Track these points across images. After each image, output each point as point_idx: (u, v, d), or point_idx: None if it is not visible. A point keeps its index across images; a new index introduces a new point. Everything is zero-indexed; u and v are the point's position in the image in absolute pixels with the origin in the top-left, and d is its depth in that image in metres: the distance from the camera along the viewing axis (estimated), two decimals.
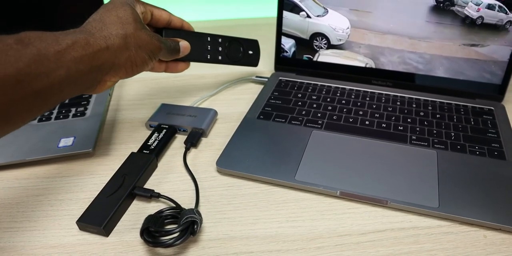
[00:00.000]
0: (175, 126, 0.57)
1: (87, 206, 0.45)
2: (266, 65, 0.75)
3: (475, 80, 0.61)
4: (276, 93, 0.64)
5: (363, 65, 0.65)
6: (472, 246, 0.42)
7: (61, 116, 0.59)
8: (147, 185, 0.50)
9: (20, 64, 0.34)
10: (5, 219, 0.46)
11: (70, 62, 0.38)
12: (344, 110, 0.60)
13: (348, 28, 0.63)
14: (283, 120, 0.58)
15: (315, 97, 0.63)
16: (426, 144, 0.53)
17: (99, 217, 0.43)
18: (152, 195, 0.46)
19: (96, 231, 0.43)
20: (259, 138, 0.54)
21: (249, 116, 0.59)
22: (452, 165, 0.50)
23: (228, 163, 0.51)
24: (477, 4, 0.56)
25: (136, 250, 0.42)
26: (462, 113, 0.59)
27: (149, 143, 0.53)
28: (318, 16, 0.64)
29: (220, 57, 0.61)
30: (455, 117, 0.58)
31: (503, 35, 0.57)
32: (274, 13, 0.66)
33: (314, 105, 0.61)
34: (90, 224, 0.43)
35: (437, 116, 0.58)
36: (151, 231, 0.41)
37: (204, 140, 0.57)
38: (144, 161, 0.50)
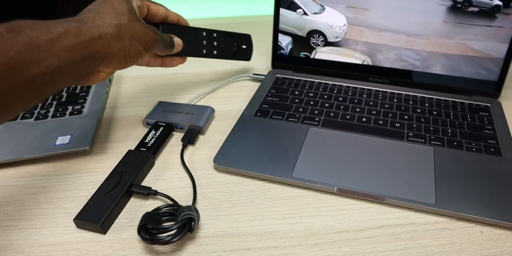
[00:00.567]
0: (172, 123, 0.57)
1: (84, 204, 0.45)
2: (263, 63, 0.75)
3: (471, 77, 0.61)
4: (273, 91, 0.64)
5: (360, 62, 0.65)
6: (468, 242, 0.42)
7: (58, 114, 0.59)
8: (145, 183, 0.50)
9: (10, 52, 0.34)
10: (2, 217, 0.46)
11: (62, 50, 0.37)
12: (341, 107, 0.60)
13: (345, 25, 0.63)
14: (280, 117, 0.58)
15: (312, 94, 0.63)
16: (423, 140, 0.53)
17: (96, 215, 0.43)
18: (149, 193, 0.46)
19: (93, 228, 0.43)
20: (256, 135, 0.54)
21: (246, 113, 0.59)
22: (448, 162, 0.50)
23: (225, 160, 0.51)
24: None
25: (134, 247, 0.42)
26: (459, 109, 0.59)
27: (146, 141, 0.53)
28: (315, 13, 0.64)
29: (215, 52, 0.62)
30: (451, 113, 0.58)
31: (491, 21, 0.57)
32: (271, 10, 0.66)
33: (311, 102, 0.61)
34: (87, 221, 0.43)
35: (434, 113, 0.59)
36: (149, 228, 0.41)
37: (201, 138, 0.57)
38: (141, 158, 0.50)
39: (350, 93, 0.63)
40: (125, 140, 0.57)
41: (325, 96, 0.62)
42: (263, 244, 0.42)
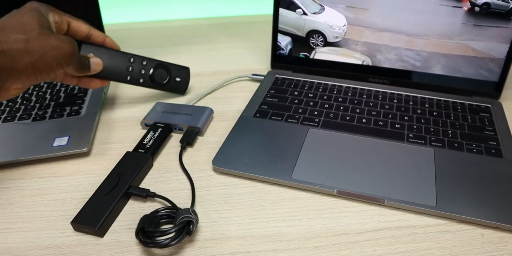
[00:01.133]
0: (170, 124, 0.56)
1: (82, 206, 0.44)
2: (262, 63, 0.74)
3: (472, 78, 0.61)
4: (273, 91, 0.64)
5: (360, 62, 0.65)
6: (469, 244, 0.41)
7: (55, 115, 0.58)
8: (143, 184, 0.49)
9: None
10: None
11: None
12: (341, 108, 0.59)
13: (344, 25, 0.63)
14: (280, 118, 0.57)
15: (311, 95, 0.62)
16: (423, 142, 0.53)
17: (94, 218, 0.42)
18: (148, 195, 0.46)
19: (91, 231, 0.43)
20: (256, 137, 0.54)
21: (245, 114, 0.59)
22: (449, 163, 0.49)
23: (224, 162, 0.50)
24: None
25: (132, 250, 0.41)
26: (459, 110, 0.59)
27: (145, 142, 0.53)
28: (314, 13, 0.64)
29: (141, 80, 0.60)
30: (452, 114, 0.58)
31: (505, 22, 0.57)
32: (270, 10, 0.66)
33: (311, 103, 0.60)
34: (85, 224, 0.42)
35: (434, 113, 0.58)
36: (147, 231, 0.40)
37: (200, 139, 0.57)
38: (139, 160, 0.50)
39: (350, 94, 0.63)
40: (124, 141, 0.56)
41: (325, 97, 0.62)
42: (262, 247, 0.42)
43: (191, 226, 0.41)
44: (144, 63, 0.59)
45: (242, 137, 0.54)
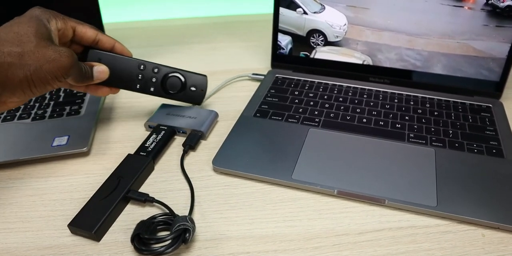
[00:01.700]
0: (174, 127, 0.56)
1: (81, 206, 0.44)
2: (262, 62, 0.74)
3: (473, 77, 0.61)
4: (273, 91, 0.63)
5: (360, 62, 0.65)
6: (470, 245, 0.41)
7: (55, 115, 0.58)
8: (143, 186, 0.49)
9: None
10: None
11: None
12: (341, 107, 0.59)
13: (345, 24, 0.63)
14: (280, 118, 0.57)
15: (312, 95, 0.62)
16: (424, 142, 0.53)
17: (91, 222, 0.42)
18: (147, 200, 0.45)
19: (87, 235, 0.42)
20: (256, 137, 0.54)
21: (245, 114, 0.58)
22: (450, 163, 0.49)
23: (224, 162, 0.50)
24: None
25: (132, 250, 0.41)
26: (460, 110, 0.59)
27: (147, 145, 0.52)
28: (315, 12, 0.63)
29: (152, 89, 0.56)
30: (453, 114, 0.58)
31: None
32: (270, 9, 0.65)
33: (311, 103, 0.60)
34: (81, 228, 0.42)
35: (435, 113, 0.58)
36: (142, 238, 0.40)
37: (202, 142, 0.56)
38: (140, 163, 0.49)
39: (350, 94, 0.62)
40: (123, 141, 0.56)
41: (325, 97, 0.62)
42: (262, 247, 0.41)
43: (187, 234, 0.40)
44: (156, 70, 0.55)
45: (242, 137, 0.54)
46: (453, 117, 0.57)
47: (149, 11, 0.96)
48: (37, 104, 0.60)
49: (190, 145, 0.53)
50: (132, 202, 0.47)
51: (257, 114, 0.58)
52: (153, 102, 0.63)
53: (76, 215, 0.43)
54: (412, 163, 0.49)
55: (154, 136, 0.54)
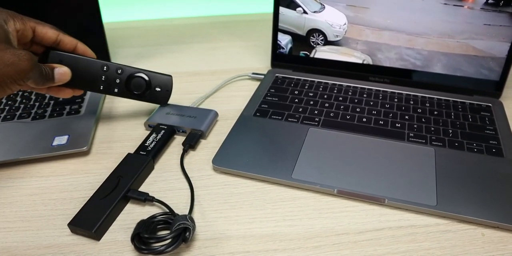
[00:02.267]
0: (174, 126, 0.56)
1: (81, 205, 0.44)
2: (262, 62, 0.74)
3: (472, 77, 0.61)
4: (273, 90, 0.63)
5: (360, 61, 0.65)
6: (470, 244, 0.41)
7: (55, 114, 0.58)
8: (143, 185, 0.49)
9: None
10: None
11: None
12: (341, 107, 0.59)
13: (345, 24, 0.63)
14: (280, 118, 0.57)
15: (311, 94, 0.62)
16: (424, 141, 0.53)
17: (91, 221, 0.42)
18: (146, 199, 0.46)
19: (87, 234, 0.42)
20: (256, 136, 0.54)
21: (245, 113, 0.58)
22: (450, 163, 0.49)
23: (224, 161, 0.50)
24: None
25: (132, 250, 0.41)
26: (460, 110, 0.59)
27: (147, 144, 0.52)
28: (314, 12, 0.63)
29: (116, 90, 0.55)
30: (452, 114, 0.58)
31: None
32: (270, 9, 0.65)
33: (311, 102, 0.60)
34: (81, 227, 0.42)
35: (435, 113, 0.58)
36: (142, 237, 0.40)
37: (202, 141, 0.56)
38: (140, 163, 0.49)
39: (350, 93, 0.62)
40: (123, 140, 0.56)
41: (325, 96, 0.62)
42: (263, 246, 0.41)
43: (187, 233, 0.40)
44: (119, 71, 0.54)
45: (242, 137, 0.54)
46: (453, 117, 0.57)
47: (149, 11, 0.96)
48: (37, 104, 0.60)
49: (190, 145, 0.53)
50: (132, 202, 0.47)
51: (257, 114, 0.58)
52: None
53: (76, 214, 0.43)
54: (412, 163, 0.49)
55: (154, 135, 0.54)
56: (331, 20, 0.63)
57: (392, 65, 0.63)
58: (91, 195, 0.45)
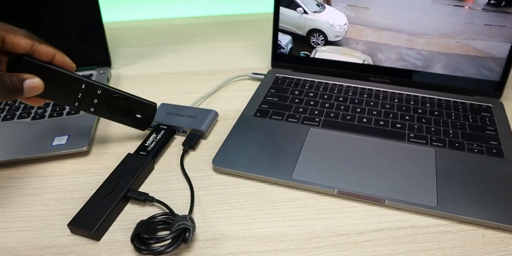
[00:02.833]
0: (174, 126, 0.56)
1: (81, 206, 0.44)
2: (262, 62, 0.74)
3: (473, 77, 0.61)
4: (273, 90, 0.63)
5: (360, 61, 0.64)
6: (470, 245, 0.41)
7: (55, 114, 0.58)
8: (143, 185, 0.49)
9: None
10: None
11: None
12: (342, 107, 0.59)
13: (345, 24, 0.63)
14: (280, 118, 0.57)
15: (312, 94, 0.62)
16: (424, 142, 0.53)
17: (91, 221, 0.42)
18: (146, 199, 0.45)
19: (87, 235, 0.42)
20: (256, 136, 0.54)
21: (245, 113, 0.58)
22: (450, 163, 0.49)
23: (224, 161, 0.50)
24: None
25: (132, 250, 0.41)
26: (460, 110, 0.59)
27: (147, 144, 0.52)
28: (315, 12, 0.63)
29: (92, 109, 0.50)
30: (453, 114, 0.58)
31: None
32: (270, 9, 0.65)
33: (311, 103, 0.60)
34: (81, 228, 0.42)
35: (435, 113, 0.58)
36: (142, 237, 0.40)
37: (202, 141, 0.56)
38: (140, 163, 0.49)
39: (350, 93, 0.62)
40: (123, 140, 0.56)
41: (325, 96, 0.62)
42: (263, 247, 0.41)
43: (188, 234, 0.40)
44: (99, 92, 0.49)
45: (242, 137, 0.54)
46: (453, 117, 0.57)
47: (149, 11, 0.96)
48: None
49: (190, 145, 0.53)
50: (132, 202, 0.47)
51: (257, 114, 0.58)
52: (153, 101, 0.62)
53: (76, 214, 0.43)
54: (412, 163, 0.49)
55: (154, 135, 0.54)
56: (332, 20, 0.63)
57: (392, 65, 0.63)
58: (91, 195, 0.45)
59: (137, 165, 0.49)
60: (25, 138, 0.54)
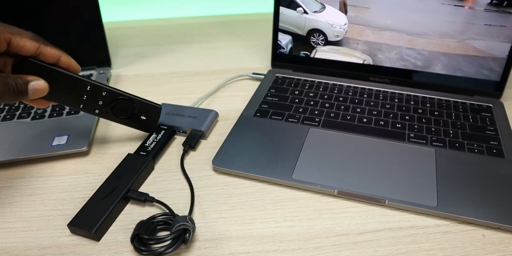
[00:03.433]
0: (174, 127, 0.56)
1: (81, 206, 0.44)
2: (262, 62, 0.74)
3: (473, 77, 0.61)
4: (273, 90, 0.63)
5: (360, 61, 0.64)
6: (471, 245, 0.41)
7: (54, 114, 0.58)
8: (143, 185, 0.49)
9: None
10: None
11: None
12: (342, 107, 0.59)
13: (345, 24, 0.62)
14: (280, 118, 0.57)
15: (312, 94, 0.62)
16: (424, 142, 0.53)
17: (91, 221, 0.42)
18: (146, 199, 0.45)
19: (87, 235, 0.42)
20: (256, 136, 0.54)
21: (245, 113, 0.58)
22: (450, 163, 0.49)
23: (224, 161, 0.50)
24: None
25: (132, 250, 0.41)
26: (461, 110, 0.59)
27: (147, 144, 0.52)
28: (315, 12, 0.63)
29: (97, 111, 0.50)
30: (453, 114, 0.58)
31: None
32: (270, 9, 0.65)
33: (311, 103, 0.60)
34: (81, 228, 0.42)
35: (435, 113, 0.58)
36: (142, 238, 0.40)
37: (202, 141, 0.56)
38: (140, 163, 0.49)
39: (350, 93, 0.62)
40: (123, 141, 0.56)
41: (326, 96, 0.62)
42: (262, 247, 0.41)
43: (187, 235, 0.40)
44: (104, 94, 0.49)
45: (242, 137, 0.54)
46: (453, 117, 0.57)
47: (149, 10, 0.96)
48: None
49: (190, 145, 0.53)
50: (132, 202, 0.47)
51: (257, 114, 0.58)
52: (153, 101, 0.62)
53: (76, 214, 0.43)
54: (413, 163, 0.49)
55: (154, 135, 0.54)
56: (332, 20, 0.63)
57: (392, 65, 0.63)
58: (91, 195, 0.45)
59: (137, 165, 0.49)
60: (25, 138, 0.54)
